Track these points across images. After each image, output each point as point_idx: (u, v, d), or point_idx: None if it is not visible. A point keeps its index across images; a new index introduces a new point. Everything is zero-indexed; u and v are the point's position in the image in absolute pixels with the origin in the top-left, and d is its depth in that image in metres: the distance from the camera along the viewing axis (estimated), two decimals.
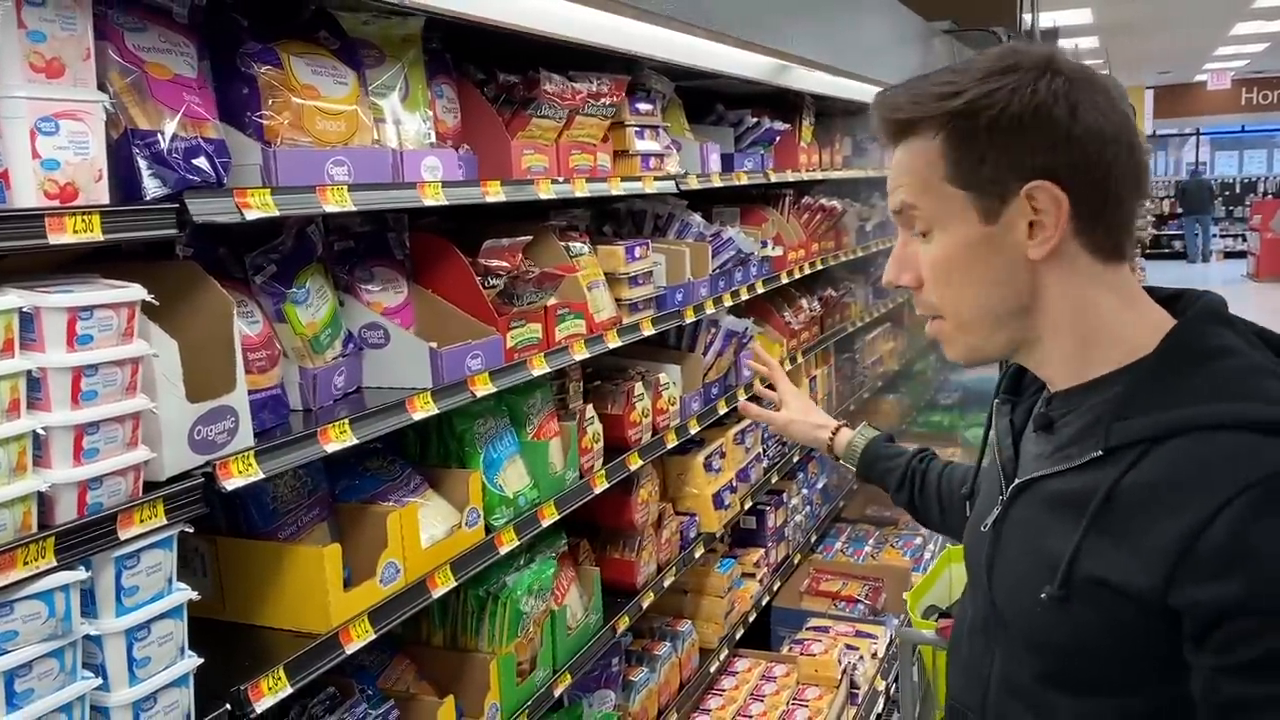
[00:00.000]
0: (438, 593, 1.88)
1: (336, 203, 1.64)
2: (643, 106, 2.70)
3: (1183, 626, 1.01)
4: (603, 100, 2.38)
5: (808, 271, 3.94)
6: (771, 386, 2.09)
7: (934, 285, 1.15)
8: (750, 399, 2.48)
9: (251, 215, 1.48)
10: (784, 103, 3.84)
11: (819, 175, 4.08)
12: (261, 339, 1.71)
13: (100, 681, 1.31)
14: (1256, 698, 0.97)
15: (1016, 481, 1.20)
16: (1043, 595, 1.08)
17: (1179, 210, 20.87)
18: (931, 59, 4.60)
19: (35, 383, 1.23)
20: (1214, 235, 20.78)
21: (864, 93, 4.43)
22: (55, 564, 1.23)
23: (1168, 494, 1.01)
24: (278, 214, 1.53)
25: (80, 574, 1.26)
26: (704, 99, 3.54)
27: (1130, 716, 1.08)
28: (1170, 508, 1.00)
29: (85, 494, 1.28)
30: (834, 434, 1.91)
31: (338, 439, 1.65)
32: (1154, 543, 1.00)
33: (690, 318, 2.89)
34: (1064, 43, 8.72)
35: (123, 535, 1.31)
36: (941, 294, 1.14)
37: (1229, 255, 20.50)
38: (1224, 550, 0.96)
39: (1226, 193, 21.62)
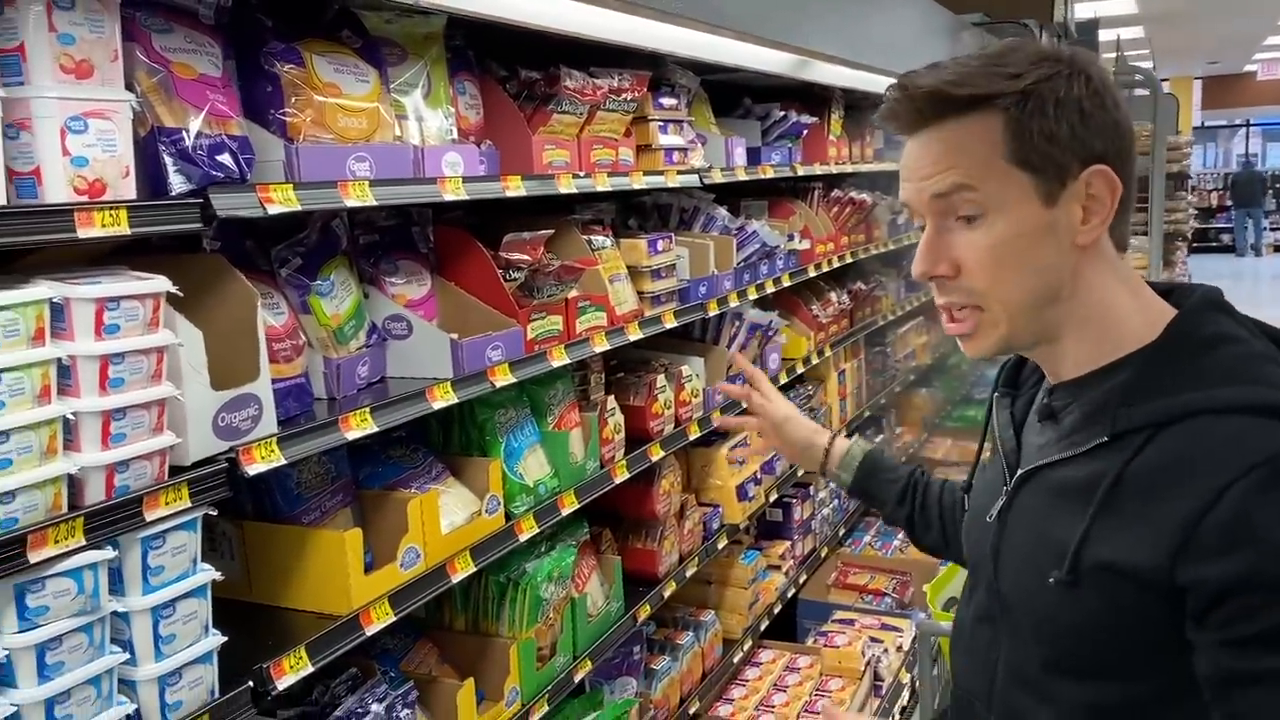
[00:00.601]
0: (457, 578, 1.93)
1: (358, 197, 1.69)
2: (666, 101, 2.72)
3: (1186, 604, 1.02)
4: (624, 95, 2.41)
5: (837, 265, 3.95)
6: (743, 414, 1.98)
7: (983, 272, 1.11)
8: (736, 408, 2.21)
9: (274, 210, 1.53)
10: (813, 96, 3.85)
11: (849, 169, 4.08)
12: (286, 329, 1.76)
13: (127, 656, 1.38)
14: (1258, 672, 0.99)
15: (1021, 471, 1.21)
16: (1050, 580, 1.10)
17: (1228, 203, 20.48)
18: (960, 52, 4.57)
19: (65, 370, 1.29)
20: (1265, 228, 20.37)
21: None
22: (84, 543, 1.29)
23: (1174, 477, 1.03)
24: (300, 209, 1.58)
25: (108, 553, 1.32)
26: (732, 93, 3.56)
27: (1134, 700, 1.10)
28: (1177, 490, 1.02)
29: (113, 477, 1.33)
30: (830, 442, 1.80)
31: (358, 426, 1.70)
32: (1160, 524, 1.02)
33: (714, 311, 2.91)
34: (1105, 34, 8.60)
35: (149, 517, 1.37)
36: (991, 281, 1.11)
37: (1279, 249, 20.08)
38: (1228, 528, 0.99)
39: (1278, 185, 21.16)
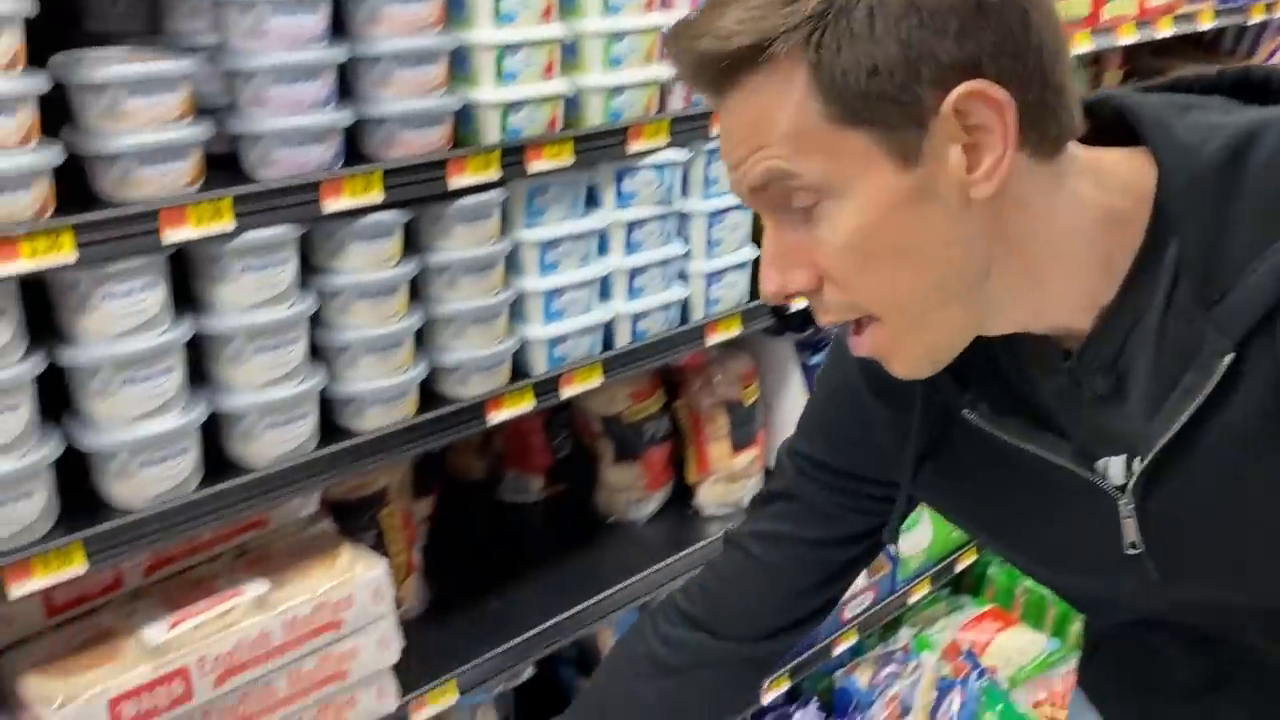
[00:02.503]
0: None
1: None
2: None
3: None
4: None
5: None
6: None
7: (850, 277, 0.77)
8: None
9: None
10: None
11: None
12: None
13: (687, 249, 1.62)
14: None
15: (1143, 463, 0.82)
16: None
17: None
18: None
19: None
20: None
21: None
22: (667, 142, 1.51)
23: None
24: None
25: (684, 154, 1.54)
26: None
27: None
28: None
29: (691, 91, 1.53)
30: None
31: None
32: None
33: (1257, 17, 2.57)
34: None
35: (712, 133, 1.56)
36: (865, 286, 0.78)
37: None
38: None
39: None
